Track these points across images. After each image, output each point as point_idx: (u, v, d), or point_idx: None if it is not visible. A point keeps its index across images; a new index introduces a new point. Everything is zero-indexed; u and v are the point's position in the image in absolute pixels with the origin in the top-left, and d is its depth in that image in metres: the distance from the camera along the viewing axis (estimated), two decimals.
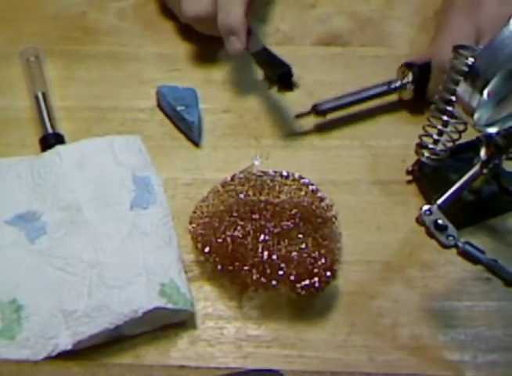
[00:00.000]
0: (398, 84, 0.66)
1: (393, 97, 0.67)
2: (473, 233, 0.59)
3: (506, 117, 0.45)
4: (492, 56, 0.40)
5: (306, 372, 0.52)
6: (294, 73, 0.63)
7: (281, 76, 0.63)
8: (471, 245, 0.57)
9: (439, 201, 0.55)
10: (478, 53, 0.41)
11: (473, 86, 0.42)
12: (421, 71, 0.64)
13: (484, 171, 0.54)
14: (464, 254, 0.57)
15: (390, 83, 0.66)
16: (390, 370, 0.53)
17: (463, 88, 0.42)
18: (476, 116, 0.43)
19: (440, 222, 0.54)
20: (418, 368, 0.53)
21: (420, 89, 0.65)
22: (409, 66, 0.65)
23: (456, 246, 0.56)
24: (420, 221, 0.54)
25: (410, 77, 0.65)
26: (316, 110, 0.64)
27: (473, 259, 0.57)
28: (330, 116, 0.66)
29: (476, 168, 0.55)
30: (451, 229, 0.54)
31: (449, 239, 0.55)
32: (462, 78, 0.42)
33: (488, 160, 0.53)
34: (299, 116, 0.65)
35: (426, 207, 0.54)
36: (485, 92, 0.42)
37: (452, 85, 0.51)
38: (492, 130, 0.45)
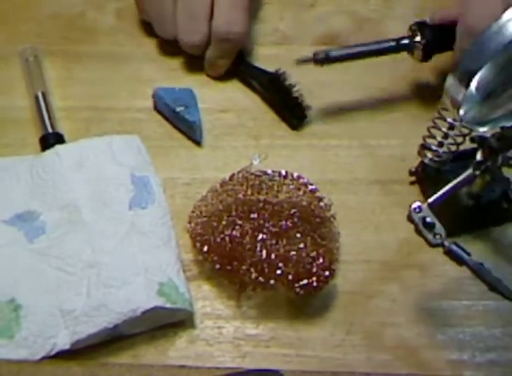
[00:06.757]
0: (407, 41, 0.63)
1: (389, 99, 0.67)
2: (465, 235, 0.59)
3: (498, 118, 0.45)
4: (478, 49, 0.41)
5: (306, 372, 0.52)
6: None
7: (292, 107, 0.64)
8: (458, 246, 0.56)
9: (430, 200, 0.55)
10: (467, 47, 0.41)
11: (459, 79, 0.41)
12: (433, 32, 0.62)
13: (477, 172, 0.54)
14: (450, 253, 0.57)
15: (399, 40, 0.64)
16: (388, 369, 0.53)
17: (450, 82, 0.42)
18: (462, 110, 0.43)
19: (428, 219, 0.53)
20: (416, 367, 0.53)
21: (430, 51, 0.63)
22: (420, 25, 0.63)
23: (442, 245, 0.56)
24: (409, 218, 0.54)
25: (419, 37, 0.63)
26: (317, 58, 0.62)
27: (458, 260, 0.56)
28: (329, 118, 0.66)
29: (470, 170, 0.55)
30: (438, 227, 0.54)
31: (436, 237, 0.55)
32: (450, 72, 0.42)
33: (481, 161, 0.53)
34: (300, 62, 0.63)
35: (415, 204, 0.54)
36: (472, 86, 0.42)
37: None
38: (483, 129, 0.45)
